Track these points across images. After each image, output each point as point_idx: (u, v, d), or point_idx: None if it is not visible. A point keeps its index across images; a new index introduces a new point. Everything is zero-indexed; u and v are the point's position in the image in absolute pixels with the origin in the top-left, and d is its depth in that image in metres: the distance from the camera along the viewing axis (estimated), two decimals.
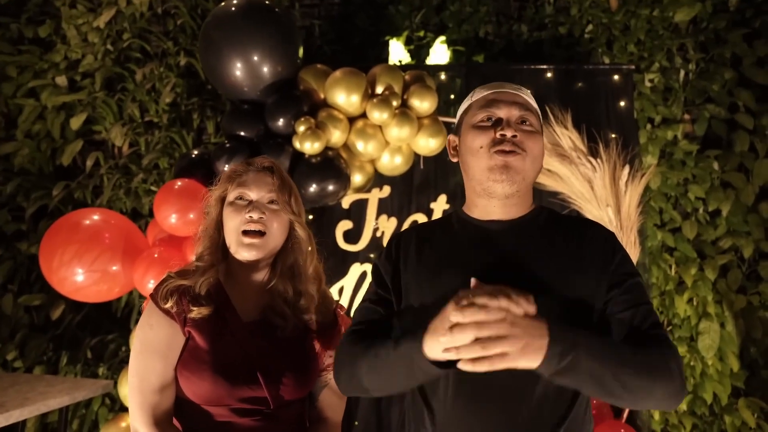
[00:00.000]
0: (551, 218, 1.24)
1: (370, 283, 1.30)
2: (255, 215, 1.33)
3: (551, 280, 1.11)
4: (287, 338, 1.35)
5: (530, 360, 0.93)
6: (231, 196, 1.37)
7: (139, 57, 3.50)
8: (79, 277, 2.27)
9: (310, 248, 1.44)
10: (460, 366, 0.93)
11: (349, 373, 1.16)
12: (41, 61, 3.52)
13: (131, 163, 3.39)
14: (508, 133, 1.14)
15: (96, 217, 2.44)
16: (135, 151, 3.43)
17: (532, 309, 0.94)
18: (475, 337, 0.91)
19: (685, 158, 3.23)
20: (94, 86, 3.44)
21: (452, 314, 0.93)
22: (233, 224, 1.34)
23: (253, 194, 1.36)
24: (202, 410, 1.27)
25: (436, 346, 0.96)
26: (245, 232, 1.33)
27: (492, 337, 0.91)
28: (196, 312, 1.28)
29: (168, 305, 1.28)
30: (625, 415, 2.69)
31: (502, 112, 1.18)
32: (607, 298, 1.13)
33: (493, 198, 1.18)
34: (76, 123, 3.35)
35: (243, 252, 1.33)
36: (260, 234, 1.33)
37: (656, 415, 3.00)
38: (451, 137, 1.31)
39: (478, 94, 1.25)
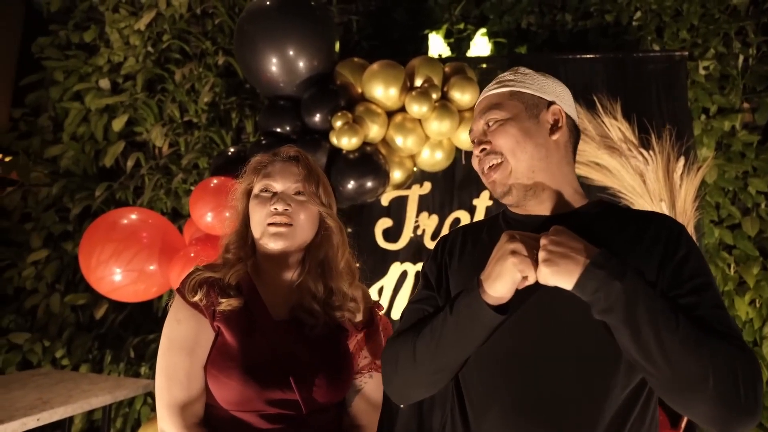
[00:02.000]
0: (608, 211, 1.12)
1: (418, 286, 1.24)
2: (280, 207, 1.25)
3: None
4: (319, 338, 1.27)
5: (563, 275, 0.90)
6: (256, 189, 1.31)
7: (179, 58, 3.53)
8: (116, 276, 2.27)
9: (341, 241, 1.36)
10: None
11: (398, 364, 1.09)
12: (86, 65, 3.59)
13: (171, 163, 3.42)
14: (476, 152, 1.15)
15: (133, 217, 2.44)
16: (175, 151, 3.45)
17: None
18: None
19: (744, 150, 3.03)
20: (136, 88, 3.49)
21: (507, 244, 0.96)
22: (258, 217, 1.27)
23: (278, 185, 1.29)
24: (230, 416, 1.19)
25: (504, 276, 0.95)
26: (271, 224, 1.26)
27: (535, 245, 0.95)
28: (226, 303, 1.21)
29: (196, 298, 1.22)
30: (683, 424, 2.52)
31: (475, 125, 1.18)
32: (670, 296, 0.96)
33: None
34: (118, 124, 3.40)
35: (270, 242, 1.26)
36: (287, 225, 1.26)
37: None
38: None
39: None
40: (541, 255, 0.92)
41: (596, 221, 1.08)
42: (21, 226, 3.48)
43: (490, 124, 1.13)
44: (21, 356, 3.24)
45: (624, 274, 0.89)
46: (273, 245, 1.26)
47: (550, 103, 1.13)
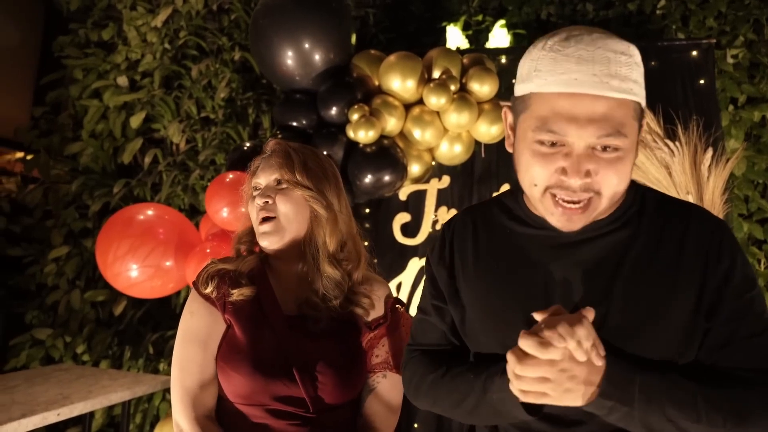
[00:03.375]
0: (646, 210, 0.97)
1: (426, 288, 1.14)
2: (260, 201, 1.26)
3: (634, 300, 0.90)
4: (328, 334, 1.24)
5: (573, 401, 0.82)
6: (251, 191, 1.32)
7: (195, 54, 3.52)
8: (133, 272, 2.27)
9: (328, 221, 1.28)
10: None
11: (418, 398, 1.09)
12: (104, 62, 3.61)
13: (188, 159, 3.42)
14: (574, 185, 0.85)
15: (150, 212, 2.43)
16: (192, 148, 3.45)
17: (599, 362, 0.81)
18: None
19: None
20: (153, 85, 3.50)
21: (514, 366, 0.82)
22: (253, 218, 1.29)
23: (262, 181, 1.29)
24: (237, 409, 1.20)
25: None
26: (260, 222, 1.27)
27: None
28: (238, 293, 1.22)
29: (208, 290, 1.23)
30: None
31: (572, 136, 0.84)
32: (708, 326, 0.89)
33: None
34: (135, 121, 3.41)
35: (262, 242, 1.27)
36: (270, 219, 1.26)
37: None
38: (506, 110, 1.00)
39: (540, 74, 0.87)
40: (540, 387, 0.81)
41: (625, 233, 0.95)
42: (43, 223, 3.52)
43: (607, 149, 0.84)
44: (44, 352, 3.28)
45: (633, 397, 0.83)
46: (265, 244, 1.26)
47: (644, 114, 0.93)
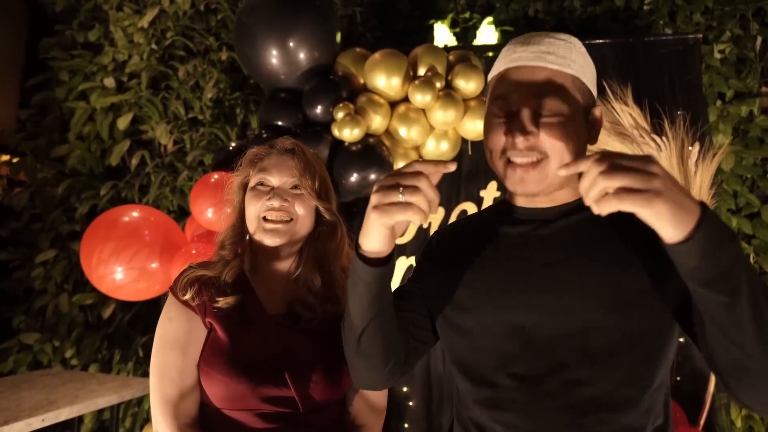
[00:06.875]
0: None
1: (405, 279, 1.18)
2: (276, 203, 1.24)
3: (610, 271, 0.93)
4: (316, 332, 1.23)
5: (674, 220, 0.69)
6: (252, 182, 1.29)
7: (183, 55, 3.50)
8: (117, 275, 2.24)
9: (341, 236, 1.33)
10: (588, 201, 0.73)
11: (355, 334, 1.00)
12: (91, 64, 3.58)
13: (177, 160, 3.40)
14: (519, 143, 0.92)
15: (135, 214, 2.41)
16: (180, 149, 3.43)
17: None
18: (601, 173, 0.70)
19: (763, 136, 2.94)
20: (140, 86, 3.47)
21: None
22: (254, 210, 1.26)
23: (274, 180, 1.27)
24: (224, 415, 1.16)
25: (370, 231, 0.86)
26: (266, 219, 1.24)
27: (621, 167, 0.69)
28: (223, 302, 1.20)
29: (187, 297, 1.20)
30: (702, 421, 2.43)
31: (514, 103, 0.95)
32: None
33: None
34: (122, 123, 3.39)
35: (266, 238, 1.24)
36: (285, 221, 1.25)
37: (738, 422, 2.71)
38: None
39: (497, 65, 1.03)
40: (651, 183, 0.69)
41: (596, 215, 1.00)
42: (30, 227, 3.49)
43: (547, 114, 0.93)
44: (32, 356, 3.25)
45: (734, 233, 0.73)
46: (269, 241, 1.24)
47: (595, 102, 1.02)
